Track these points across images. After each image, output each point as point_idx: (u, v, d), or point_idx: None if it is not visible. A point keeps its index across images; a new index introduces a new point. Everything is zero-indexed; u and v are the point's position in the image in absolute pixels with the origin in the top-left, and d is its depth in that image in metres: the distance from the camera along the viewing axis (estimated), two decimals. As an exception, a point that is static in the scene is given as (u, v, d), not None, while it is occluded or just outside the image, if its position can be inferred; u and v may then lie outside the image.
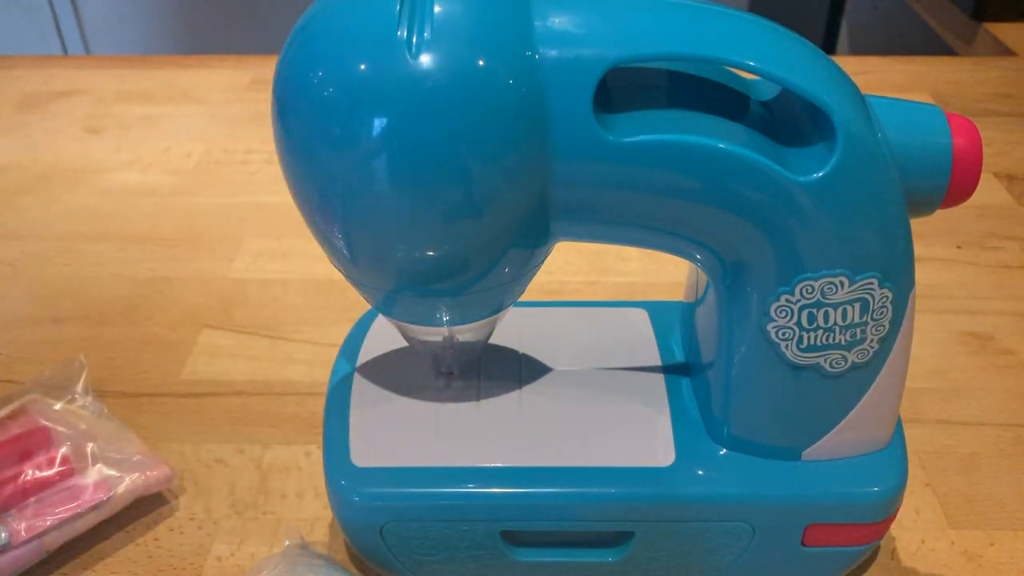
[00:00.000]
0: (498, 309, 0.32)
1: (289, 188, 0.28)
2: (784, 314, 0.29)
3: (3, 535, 0.32)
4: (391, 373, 0.36)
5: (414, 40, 0.25)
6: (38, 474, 0.36)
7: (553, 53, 0.26)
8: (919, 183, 0.28)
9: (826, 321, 0.29)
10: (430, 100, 0.25)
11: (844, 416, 0.31)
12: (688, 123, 0.27)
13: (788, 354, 0.30)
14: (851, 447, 0.32)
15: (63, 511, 0.35)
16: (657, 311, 0.39)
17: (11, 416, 0.38)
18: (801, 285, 0.28)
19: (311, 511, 0.38)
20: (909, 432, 0.34)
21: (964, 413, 0.43)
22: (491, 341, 0.36)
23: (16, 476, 0.36)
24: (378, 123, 0.25)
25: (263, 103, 0.70)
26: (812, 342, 0.29)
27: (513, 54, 0.25)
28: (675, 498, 0.31)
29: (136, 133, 0.67)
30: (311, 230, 0.29)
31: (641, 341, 0.37)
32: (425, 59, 0.25)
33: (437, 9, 0.25)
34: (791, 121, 0.29)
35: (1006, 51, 0.79)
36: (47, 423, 0.38)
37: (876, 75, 0.74)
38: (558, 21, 0.26)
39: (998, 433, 0.42)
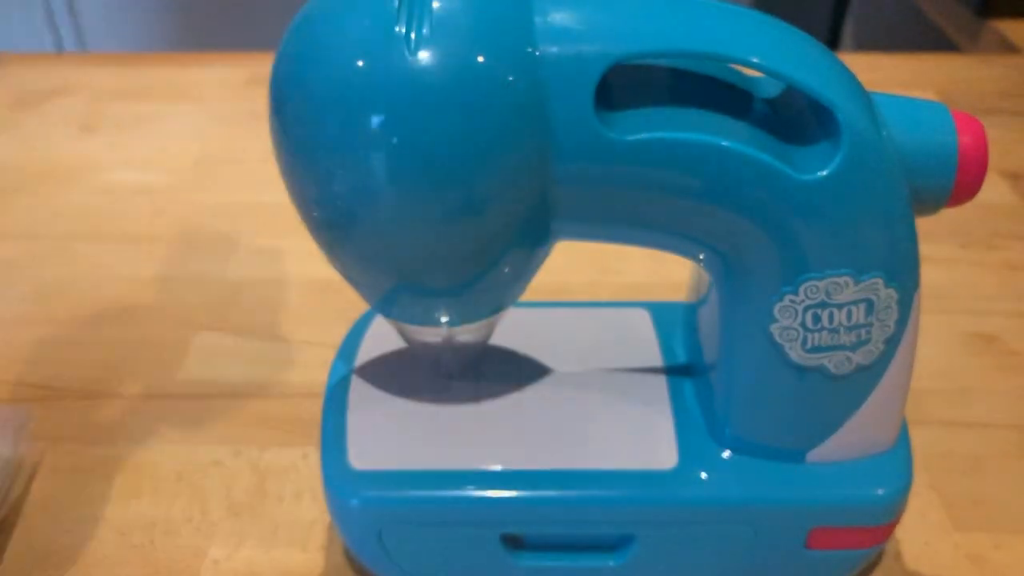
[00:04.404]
0: (498, 309, 0.31)
1: (286, 187, 0.28)
2: (788, 315, 0.29)
3: None
4: (390, 374, 0.35)
5: (412, 36, 0.24)
6: None
7: (554, 50, 0.25)
8: (924, 182, 0.28)
9: (831, 322, 0.29)
10: (429, 97, 0.24)
11: (849, 418, 0.31)
12: (691, 121, 0.27)
13: (792, 355, 0.29)
14: (856, 449, 0.32)
15: None
16: (659, 311, 0.38)
17: None
18: (805, 285, 0.28)
19: (308, 514, 0.38)
20: (914, 433, 0.34)
21: (969, 414, 0.42)
22: (491, 341, 0.36)
23: None
24: (376, 120, 0.25)
25: (260, 101, 0.70)
26: (817, 343, 0.29)
27: (513, 51, 0.25)
28: (678, 501, 0.31)
29: (132, 131, 0.66)
30: (308, 229, 0.29)
31: (643, 342, 0.37)
32: (424, 56, 0.24)
33: (436, 5, 0.25)
34: (795, 119, 0.28)
35: (1012, 48, 0.79)
36: None
37: (881, 72, 0.74)
38: (559, 17, 0.26)
39: (1004, 434, 0.41)
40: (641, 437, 0.33)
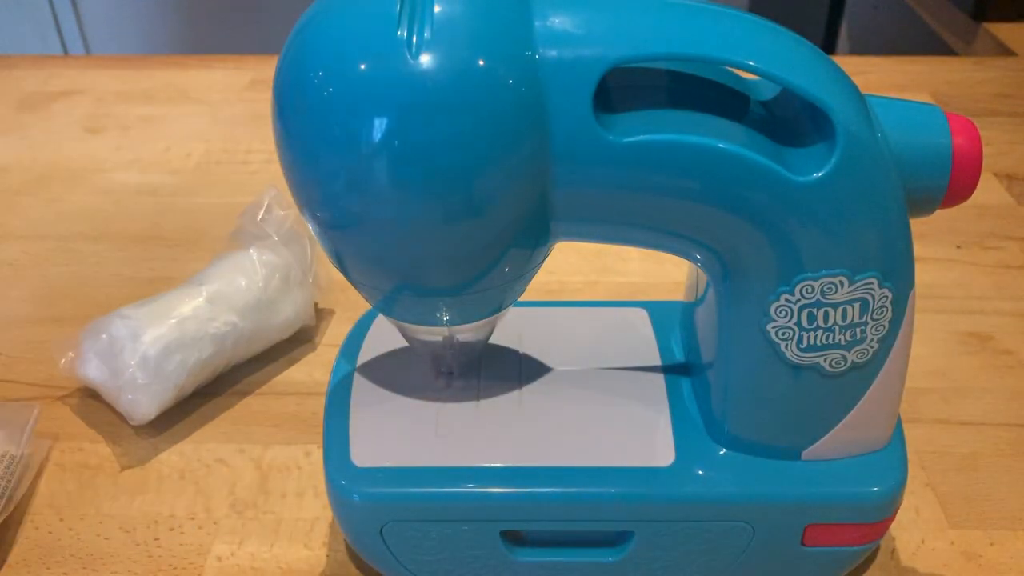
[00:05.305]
0: (498, 309, 0.32)
1: (289, 188, 0.28)
2: (784, 314, 0.29)
3: None
4: (391, 373, 0.36)
5: (414, 40, 0.25)
6: None
7: (553, 53, 0.26)
8: (919, 183, 0.28)
9: (826, 321, 0.29)
10: (430, 100, 0.25)
11: (844, 416, 0.31)
12: (688, 123, 0.27)
13: (788, 354, 0.30)
14: (851, 447, 0.32)
15: None
16: (657, 311, 0.39)
17: None
18: (801, 285, 0.28)
19: (311, 511, 0.38)
20: (909, 432, 0.34)
21: (964, 413, 0.43)
22: (491, 341, 0.36)
23: None
24: (378, 123, 0.25)
25: (263, 103, 0.70)
26: (812, 342, 0.29)
27: (513, 54, 0.25)
28: (675, 498, 0.31)
29: (136, 133, 0.67)
30: (311, 230, 0.29)
31: (641, 341, 0.37)
32: (425, 59, 0.25)
33: (437, 9, 0.25)
34: (791, 121, 0.29)
35: (1006, 51, 0.79)
36: None
37: (876, 75, 0.74)
38: (558, 21, 0.26)
39: (998, 433, 0.42)
40: (639, 435, 0.33)
